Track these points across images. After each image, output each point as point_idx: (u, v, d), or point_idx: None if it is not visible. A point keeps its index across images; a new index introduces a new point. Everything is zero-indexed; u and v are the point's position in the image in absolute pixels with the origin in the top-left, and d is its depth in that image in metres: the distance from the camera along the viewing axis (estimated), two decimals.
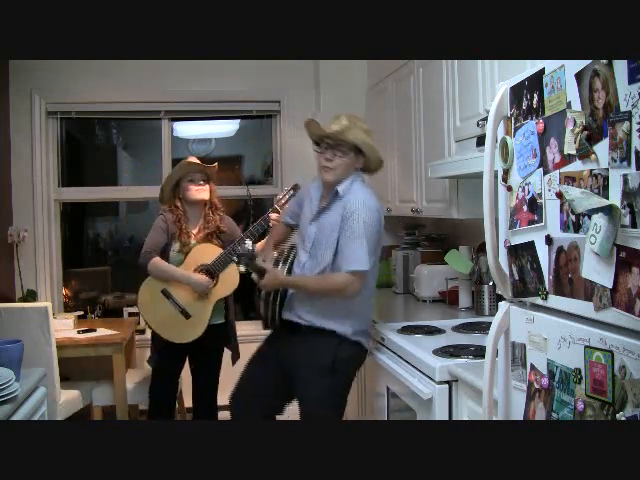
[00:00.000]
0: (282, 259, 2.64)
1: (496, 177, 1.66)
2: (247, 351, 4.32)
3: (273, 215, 3.08)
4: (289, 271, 2.58)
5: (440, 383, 2.14)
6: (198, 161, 3.21)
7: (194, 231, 3.20)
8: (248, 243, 2.76)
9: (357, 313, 2.50)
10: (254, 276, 2.53)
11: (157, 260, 3.09)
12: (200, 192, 3.17)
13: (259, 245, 3.18)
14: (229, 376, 3.28)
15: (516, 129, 1.56)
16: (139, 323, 4.25)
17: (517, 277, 1.58)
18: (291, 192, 3.12)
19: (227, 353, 3.35)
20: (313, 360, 2.45)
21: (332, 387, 2.46)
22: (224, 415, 4.18)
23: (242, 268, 2.59)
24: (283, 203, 3.10)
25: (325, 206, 2.49)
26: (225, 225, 3.27)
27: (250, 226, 3.17)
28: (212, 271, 3.12)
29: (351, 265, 2.36)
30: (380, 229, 2.48)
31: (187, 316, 3.11)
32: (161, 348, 3.18)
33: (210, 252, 3.14)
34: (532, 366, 1.50)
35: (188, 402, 3.56)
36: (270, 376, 2.59)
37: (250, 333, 4.33)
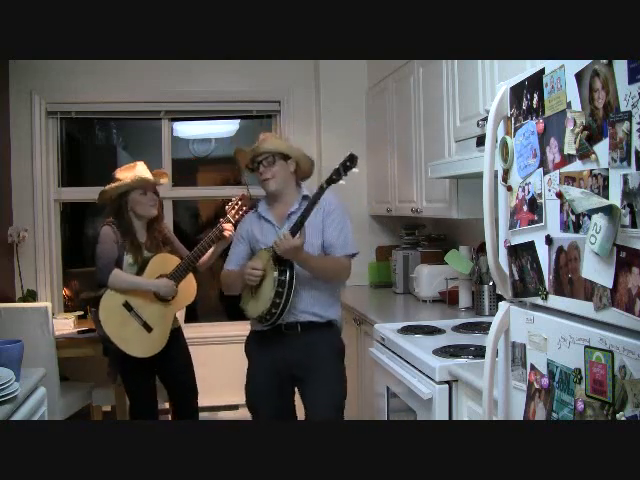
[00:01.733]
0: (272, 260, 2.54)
1: (496, 177, 1.66)
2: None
3: (227, 225, 3.02)
4: (285, 271, 2.53)
5: (440, 383, 2.14)
6: (149, 173, 3.07)
7: (142, 241, 3.10)
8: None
9: (339, 296, 2.76)
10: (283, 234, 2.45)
11: (117, 272, 2.98)
12: (153, 208, 3.07)
13: (203, 258, 3.12)
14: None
15: (516, 129, 1.56)
16: None
17: (517, 277, 1.58)
18: (239, 203, 3.04)
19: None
20: (327, 350, 2.62)
21: (343, 373, 2.68)
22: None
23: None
24: (234, 214, 3.02)
25: (295, 209, 2.62)
26: (169, 233, 3.24)
27: (205, 236, 3.08)
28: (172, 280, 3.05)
29: (349, 249, 2.63)
30: None
31: (149, 329, 3.02)
32: (126, 365, 3.06)
33: (168, 262, 3.06)
34: (532, 366, 1.50)
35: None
36: (276, 383, 2.65)
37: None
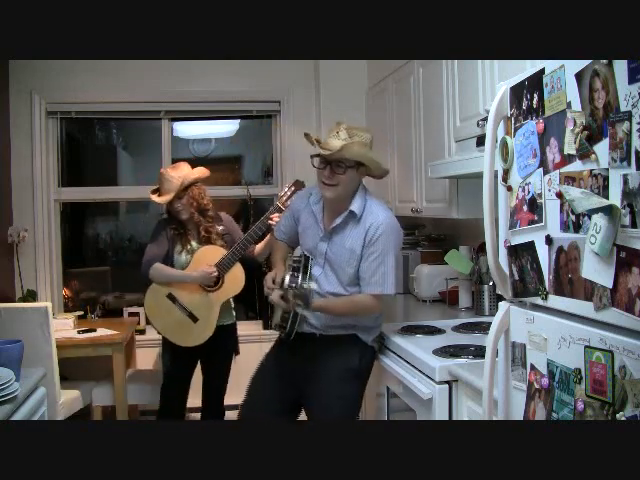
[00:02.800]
0: (300, 267, 2.43)
1: (496, 177, 1.66)
2: (247, 351, 4.32)
3: (275, 215, 3.06)
4: (310, 277, 2.44)
5: (440, 383, 2.14)
6: (166, 188, 3.15)
7: (192, 235, 3.20)
8: (312, 284, 2.40)
9: (378, 325, 2.58)
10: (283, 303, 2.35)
11: (158, 265, 3.09)
12: (179, 214, 3.15)
13: (259, 246, 3.19)
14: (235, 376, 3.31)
15: (516, 129, 1.56)
16: (139, 323, 4.25)
17: (517, 277, 1.58)
18: (292, 189, 3.09)
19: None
20: (339, 364, 2.43)
21: (360, 392, 2.53)
22: (232, 415, 4.22)
23: (289, 298, 2.32)
24: (285, 200, 3.06)
25: (339, 224, 2.40)
26: (224, 226, 3.27)
27: (251, 226, 3.16)
28: (218, 272, 3.11)
29: (380, 290, 2.35)
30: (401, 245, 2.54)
31: (195, 319, 3.11)
32: (172, 351, 3.19)
33: (214, 254, 3.13)
34: (532, 366, 1.50)
35: (191, 402, 3.56)
36: (280, 391, 2.54)
37: (250, 333, 4.35)
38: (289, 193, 3.09)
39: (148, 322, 3.57)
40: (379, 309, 2.44)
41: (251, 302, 4.48)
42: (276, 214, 3.06)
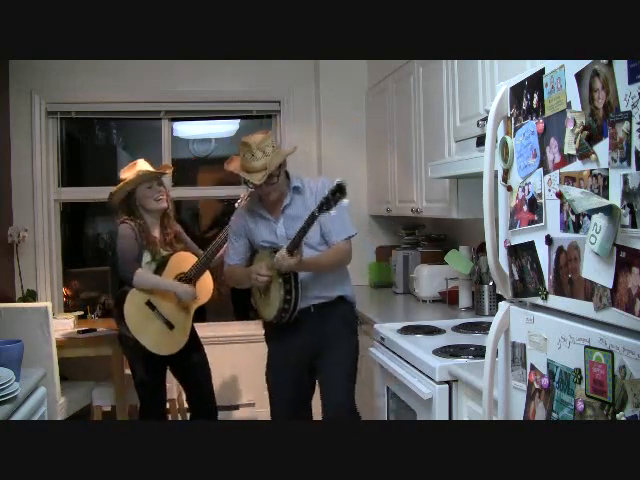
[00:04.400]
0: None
1: (496, 177, 1.66)
2: (247, 351, 4.32)
3: None
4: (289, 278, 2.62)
5: (440, 383, 2.14)
6: (151, 167, 3.11)
7: (157, 238, 3.11)
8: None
9: (348, 273, 2.83)
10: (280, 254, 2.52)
11: (142, 271, 2.99)
12: (161, 201, 3.08)
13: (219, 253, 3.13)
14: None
15: (516, 129, 1.56)
16: None
17: (517, 277, 1.58)
18: (248, 199, 2.99)
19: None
20: (340, 326, 2.72)
21: (356, 341, 2.79)
22: (231, 415, 4.22)
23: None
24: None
25: (288, 203, 2.68)
26: (180, 230, 3.25)
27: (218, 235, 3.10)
28: (190, 279, 3.08)
29: (348, 233, 2.69)
30: None
31: (171, 327, 3.05)
32: (144, 360, 3.06)
33: (186, 260, 3.09)
34: (532, 366, 1.50)
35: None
36: (298, 376, 2.74)
37: (250, 333, 4.35)
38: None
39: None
40: (350, 253, 2.73)
41: (251, 302, 4.47)
42: None
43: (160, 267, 3.06)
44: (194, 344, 3.19)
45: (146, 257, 3.05)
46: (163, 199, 3.09)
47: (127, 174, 3.08)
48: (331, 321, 2.71)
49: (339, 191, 2.34)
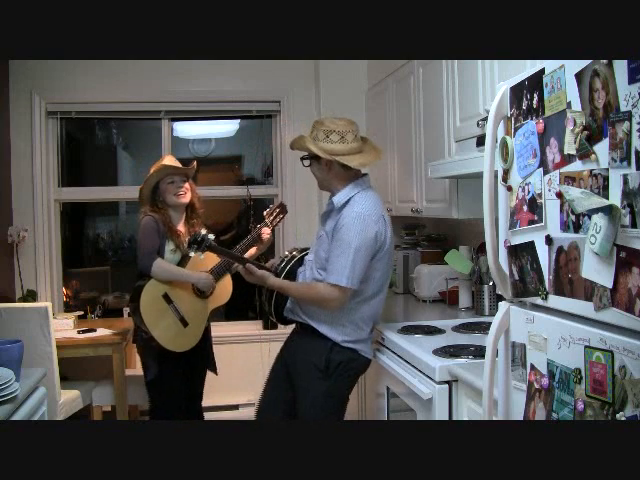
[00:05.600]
0: (287, 259, 2.66)
1: (496, 177, 1.66)
2: (247, 351, 4.32)
3: (265, 229, 3.06)
4: (288, 273, 2.58)
5: (440, 383, 2.14)
6: (177, 162, 3.16)
7: (182, 231, 3.15)
8: (210, 235, 2.70)
9: (348, 324, 2.44)
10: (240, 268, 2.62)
11: (160, 261, 3.01)
12: (182, 197, 3.11)
13: (249, 253, 3.13)
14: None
15: (516, 129, 1.56)
16: None
17: (517, 277, 1.58)
18: (277, 210, 3.10)
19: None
20: (308, 359, 2.46)
21: (328, 392, 2.43)
22: (231, 415, 4.22)
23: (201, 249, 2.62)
24: (272, 220, 3.08)
25: (324, 212, 2.56)
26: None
27: (241, 240, 3.10)
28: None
29: (332, 278, 2.34)
30: (376, 241, 2.38)
31: (185, 324, 3.05)
32: (158, 356, 3.04)
33: (208, 259, 3.08)
34: (532, 366, 1.50)
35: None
36: (280, 380, 2.63)
37: (250, 333, 4.36)
38: (274, 214, 3.10)
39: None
40: (334, 301, 2.36)
41: (251, 302, 4.47)
42: (266, 229, 3.06)
43: (183, 261, 3.08)
44: (205, 345, 3.21)
45: (169, 245, 3.08)
46: (183, 194, 3.11)
47: (154, 167, 3.14)
48: (302, 350, 2.51)
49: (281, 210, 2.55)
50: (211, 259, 3.09)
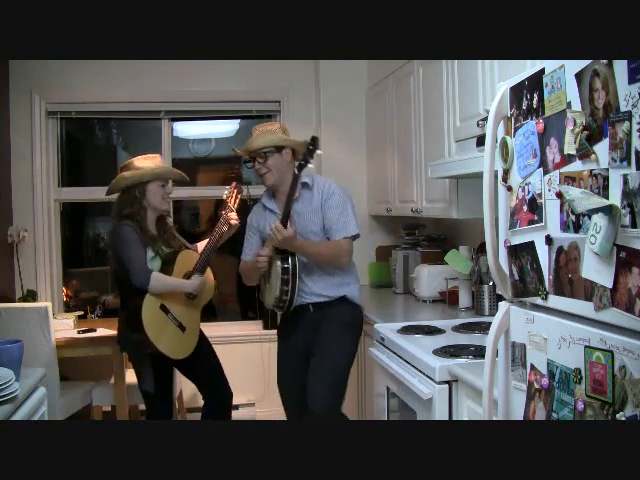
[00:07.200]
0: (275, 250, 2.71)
1: (496, 177, 1.66)
2: (247, 351, 4.32)
3: (231, 214, 3.03)
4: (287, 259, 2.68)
5: (440, 383, 2.14)
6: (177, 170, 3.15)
7: (155, 235, 3.03)
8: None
9: (355, 276, 2.85)
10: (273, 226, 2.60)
11: (157, 274, 2.88)
12: (168, 203, 3.08)
13: (200, 244, 3.15)
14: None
15: (516, 129, 1.56)
16: None
17: (517, 277, 1.58)
18: (234, 190, 3.09)
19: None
20: (333, 322, 2.71)
21: (352, 342, 2.79)
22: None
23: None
24: (234, 202, 3.07)
25: (295, 197, 2.66)
26: (174, 229, 3.22)
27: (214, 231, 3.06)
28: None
29: (344, 232, 2.71)
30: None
31: (183, 329, 3.00)
32: (152, 367, 2.97)
33: (190, 259, 3.03)
34: (532, 366, 1.50)
35: (192, 402, 3.56)
36: (296, 365, 2.79)
37: (250, 333, 4.35)
38: (234, 195, 3.09)
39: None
40: (349, 252, 2.74)
41: (251, 302, 4.48)
42: (233, 214, 3.03)
43: (166, 265, 2.98)
44: (205, 343, 3.17)
45: (149, 253, 2.95)
46: (170, 201, 3.10)
47: (145, 163, 2.98)
48: (329, 321, 2.73)
49: (312, 144, 2.50)
50: (190, 259, 3.03)
